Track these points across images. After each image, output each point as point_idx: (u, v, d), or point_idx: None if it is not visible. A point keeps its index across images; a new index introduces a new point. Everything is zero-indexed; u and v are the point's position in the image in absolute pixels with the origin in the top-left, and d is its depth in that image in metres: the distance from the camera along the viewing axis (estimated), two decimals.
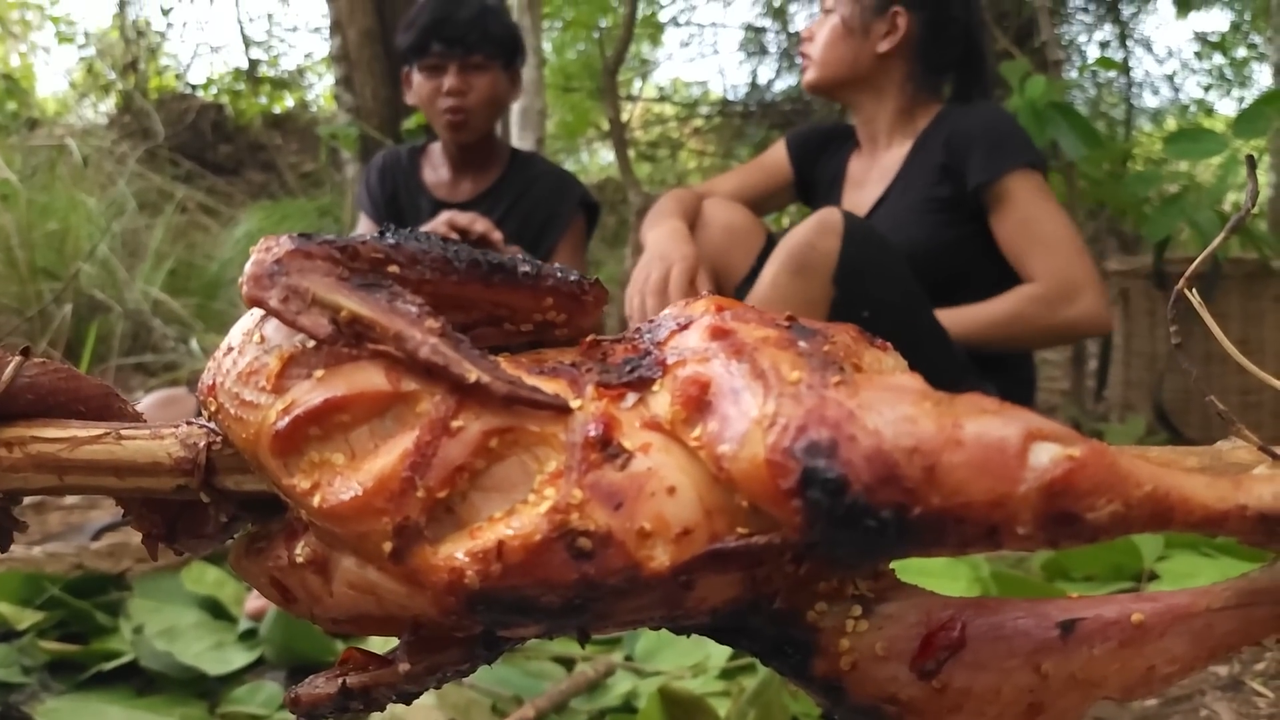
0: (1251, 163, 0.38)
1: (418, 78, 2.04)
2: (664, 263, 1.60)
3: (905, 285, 1.57)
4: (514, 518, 0.34)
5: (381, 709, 0.41)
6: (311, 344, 0.37)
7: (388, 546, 0.35)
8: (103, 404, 0.43)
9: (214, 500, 0.40)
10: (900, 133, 1.82)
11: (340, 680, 0.40)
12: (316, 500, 0.35)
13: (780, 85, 6.14)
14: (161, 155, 4.82)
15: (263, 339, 0.38)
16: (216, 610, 1.44)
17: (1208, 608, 0.36)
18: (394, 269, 0.38)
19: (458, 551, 0.34)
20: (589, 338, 0.41)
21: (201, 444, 0.40)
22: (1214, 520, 0.34)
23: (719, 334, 0.38)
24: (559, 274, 0.41)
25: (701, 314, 0.39)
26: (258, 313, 0.39)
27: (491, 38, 2.00)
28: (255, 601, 1.39)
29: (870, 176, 1.84)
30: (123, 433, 0.41)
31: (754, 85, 6.23)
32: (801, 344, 0.36)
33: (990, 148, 1.66)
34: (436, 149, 2.16)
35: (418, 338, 0.36)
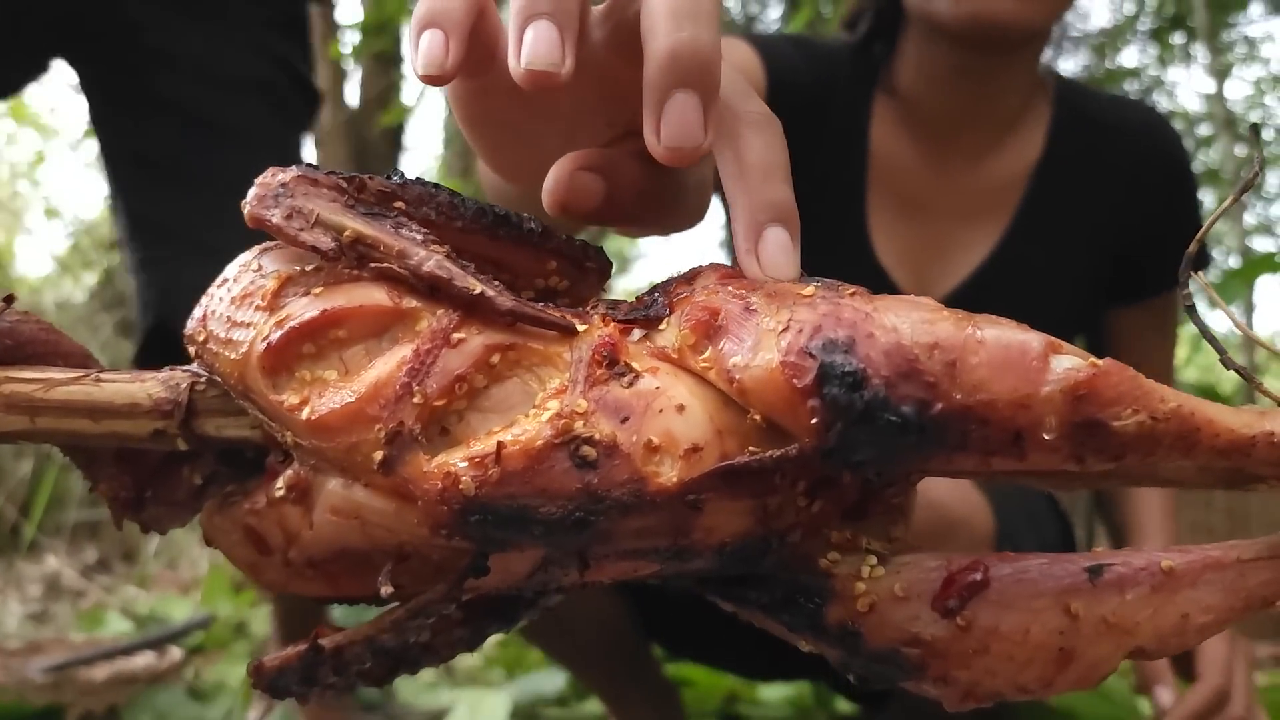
0: (1256, 131, 0.39)
1: None
2: None
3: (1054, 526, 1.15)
4: (515, 426, 0.33)
5: (351, 684, 0.38)
6: (311, 267, 0.36)
7: (378, 456, 0.33)
8: (81, 363, 0.42)
9: (192, 447, 0.38)
10: (1014, 125, 1.11)
11: (310, 639, 0.37)
12: (306, 413, 0.34)
13: None
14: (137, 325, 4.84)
15: (260, 267, 0.37)
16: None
17: (1239, 558, 0.35)
18: (400, 205, 0.38)
19: (454, 458, 0.32)
20: (593, 299, 0.40)
21: (184, 385, 0.38)
22: (1240, 445, 0.32)
23: (728, 278, 0.37)
24: (563, 237, 0.41)
25: (709, 269, 0.39)
26: (257, 247, 0.38)
27: None
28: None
29: (950, 192, 1.11)
30: (102, 376, 0.39)
31: None
32: (815, 283, 0.36)
33: (1174, 249, 1.17)
34: None
35: (422, 254, 0.35)
